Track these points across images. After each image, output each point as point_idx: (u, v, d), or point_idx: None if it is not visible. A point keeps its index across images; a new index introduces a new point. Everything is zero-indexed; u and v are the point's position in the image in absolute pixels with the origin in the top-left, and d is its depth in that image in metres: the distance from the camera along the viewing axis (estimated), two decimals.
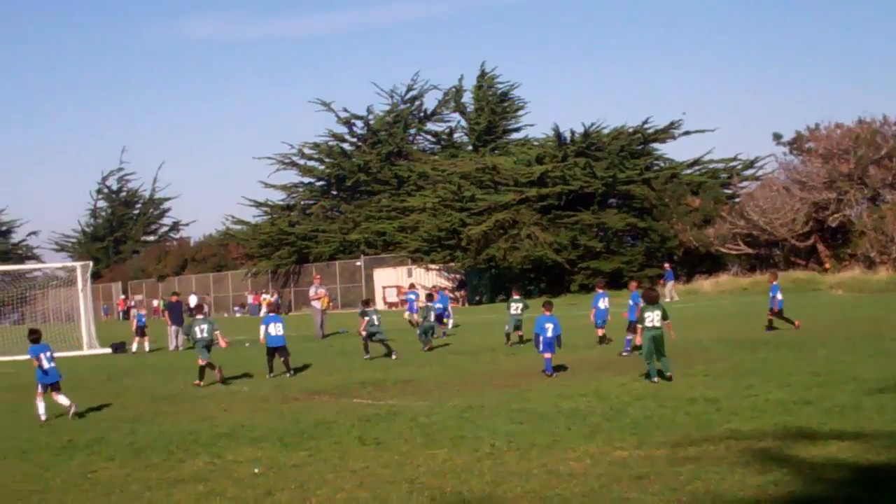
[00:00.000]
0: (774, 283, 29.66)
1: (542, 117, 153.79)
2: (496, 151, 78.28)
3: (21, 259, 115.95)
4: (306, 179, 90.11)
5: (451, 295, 50.76)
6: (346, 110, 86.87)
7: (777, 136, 67.62)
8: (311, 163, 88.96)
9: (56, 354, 36.24)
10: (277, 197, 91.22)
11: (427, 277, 71.00)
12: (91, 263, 47.74)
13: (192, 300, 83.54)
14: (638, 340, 20.04)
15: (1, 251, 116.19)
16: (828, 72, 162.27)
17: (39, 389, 19.35)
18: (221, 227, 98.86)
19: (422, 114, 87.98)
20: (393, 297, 71.26)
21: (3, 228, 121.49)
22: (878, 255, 55.80)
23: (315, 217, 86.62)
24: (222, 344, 25.64)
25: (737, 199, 66.84)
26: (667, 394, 17.40)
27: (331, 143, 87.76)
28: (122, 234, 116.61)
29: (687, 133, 70.64)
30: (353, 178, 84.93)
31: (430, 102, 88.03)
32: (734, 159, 71.22)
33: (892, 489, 10.10)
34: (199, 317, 26.29)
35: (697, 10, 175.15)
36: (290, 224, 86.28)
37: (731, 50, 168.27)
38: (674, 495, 10.22)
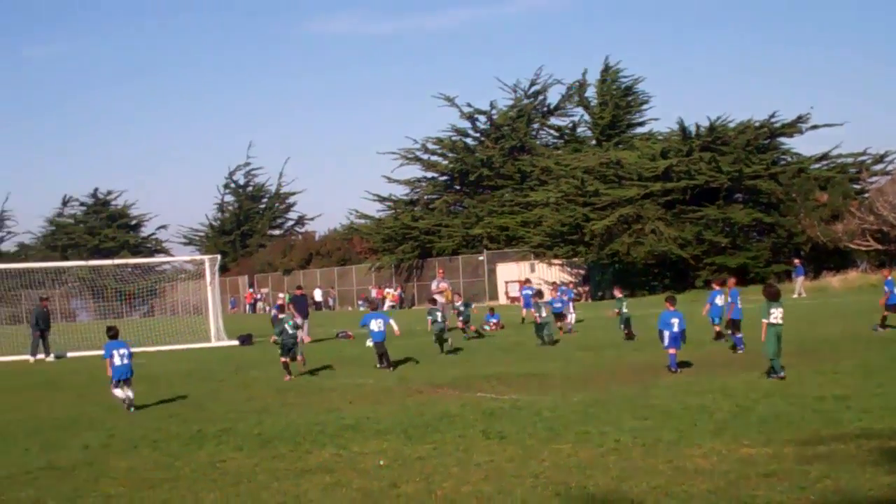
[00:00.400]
0: (889, 277, 29.04)
1: (667, 111, 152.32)
2: (620, 146, 77.60)
3: (151, 252, 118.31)
4: (429, 174, 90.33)
5: (575, 290, 50.63)
6: (469, 105, 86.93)
7: None
8: (435, 158, 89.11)
9: (184, 346, 37.17)
10: (401, 191, 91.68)
11: (550, 272, 70.78)
12: (219, 257, 48.47)
13: (317, 294, 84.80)
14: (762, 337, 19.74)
15: (131, 245, 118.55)
16: None
17: (116, 384, 20.00)
18: (346, 222, 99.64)
19: (545, 108, 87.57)
20: (515, 291, 71.16)
21: (134, 222, 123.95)
22: None
23: (438, 212, 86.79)
24: (306, 339, 26.04)
25: (866, 195, 65.42)
26: (795, 391, 17.14)
27: (454, 138, 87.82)
28: (249, 228, 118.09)
29: (815, 127, 69.22)
30: (476, 173, 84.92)
31: (553, 97, 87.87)
32: (863, 154, 69.66)
33: None
34: (283, 315, 26.96)
35: (824, 2, 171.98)
36: (414, 218, 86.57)
37: (859, 42, 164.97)
38: (802, 493, 10.07)
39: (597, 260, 69.47)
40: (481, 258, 78.33)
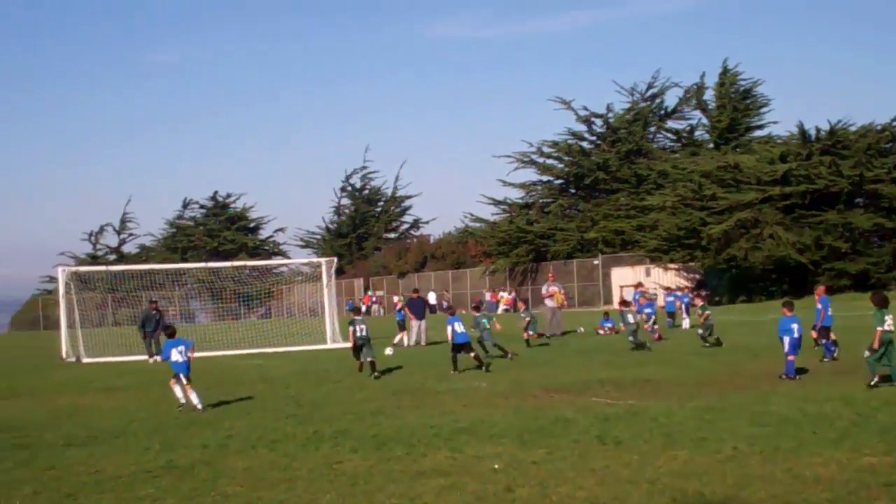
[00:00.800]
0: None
1: (786, 114, 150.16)
2: (738, 149, 76.65)
3: (268, 255, 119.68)
4: (545, 178, 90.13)
5: (690, 295, 50.07)
6: (585, 108, 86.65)
7: None
8: (550, 161, 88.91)
9: (300, 348, 37.54)
10: (516, 195, 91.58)
11: (665, 277, 70.21)
12: (335, 259, 48.90)
13: (431, 297, 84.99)
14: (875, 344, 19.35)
15: (249, 247, 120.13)
16: None
17: (179, 379, 20.58)
18: (460, 225, 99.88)
19: (662, 111, 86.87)
20: (629, 296, 70.72)
21: (252, 225, 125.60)
22: None
23: (553, 215, 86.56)
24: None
25: None
26: None
27: (570, 142, 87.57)
28: (365, 231, 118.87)
29: None
30: (592, 177, 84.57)
31: (670, 100, 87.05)
32: None
33: None
34: (358, 317, 28.01)
35: None
36: (528, 222, 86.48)
37: None
38: None
39: (713, 265, 68.73)
40: (596, 262, 77.92)
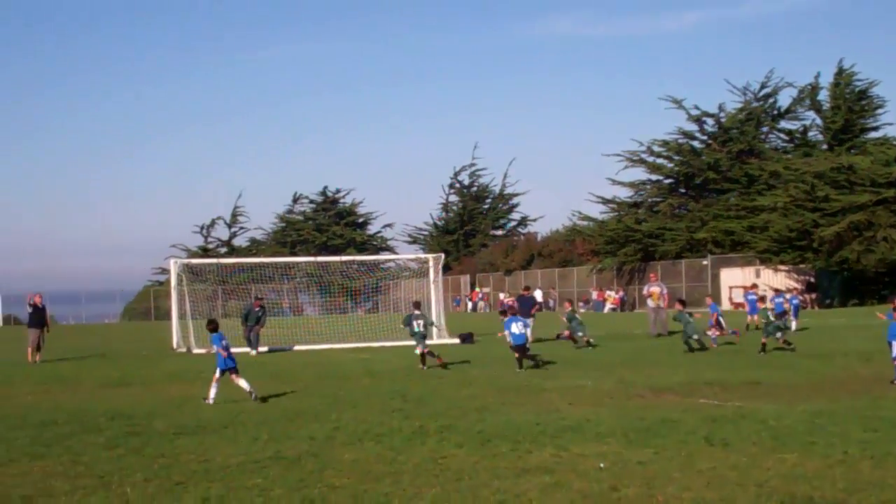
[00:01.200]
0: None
1: None
2: (852, 150, 75.48)
3: (376, 250, 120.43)
4: (654, 177, 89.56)
5: (800, 298, 49.50)
6: (696, 108, 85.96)
7: None
8: (660, 160, 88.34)
9: (406, 343, 37.59)
10: (625, 194, 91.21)
11: (776, 279, 69.31)
12: (443, 256, 49.06)
13: (538, 295, 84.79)
14: None
15: (358, 242, 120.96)
16: None
17: (217, 375, 20.95)
18: (568, 223, 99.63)
19: (775, 111, 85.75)
20: (739, 297, 69.88)
21: (361, 220, 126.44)
22: None
23: (662, 215, 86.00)
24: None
25: None
26: None
27: (680, 141, 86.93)
28: (472, 227, 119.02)
29: None
30: (702, 176, 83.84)
31: (783, 100, 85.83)
32: None
33: None
34: (417, 312, 29.45)
35: None
36: (637, 221, 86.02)
37: None
38: None
39: (825, 267, 67.69)
40: (705, 262, 77.15)
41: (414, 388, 22.90)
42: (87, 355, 39.24)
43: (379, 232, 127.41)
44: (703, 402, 18.79)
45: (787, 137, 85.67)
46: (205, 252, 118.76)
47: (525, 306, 39.23)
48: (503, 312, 32.79)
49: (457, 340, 40.64)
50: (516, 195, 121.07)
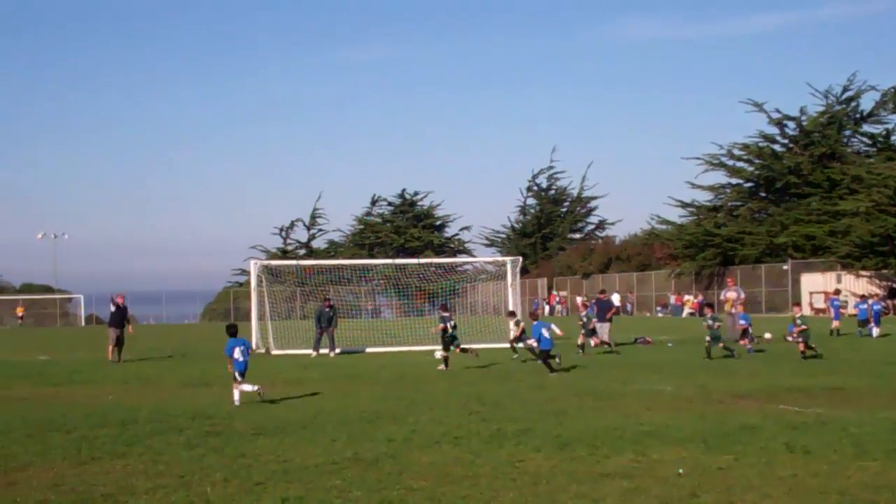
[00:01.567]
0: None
1: None
2: None
3: (454, 253, 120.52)
4: (734, 180, 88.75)
5: (883, 304, 48.87)
6: (777, 111, 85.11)
7: None
8: (740, 164, 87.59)
9: (483, 346, 37.61)
10: (704, 197, 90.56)
11: (857, 284, 68.44)
12: (520, 259, 48.98)
13: (615, 298, 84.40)
14: None
15: (435, 245, 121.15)
16: None
17: (237, 377, 21.21)
18: (646, 227, 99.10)
19: (857, 115, 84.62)
20: (820, 303, 69.08)
21: (438, 223, 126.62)
22: None
23: (742, 219, 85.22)
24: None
25: None
26: None
27: (761, 144, 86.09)
28: (550, 231, 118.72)
29: None
30: (783, 181, 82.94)
31: (866, 103, 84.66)
32: None
33: None
34: (445, 314, 30.81)
35: None
36: (716, 225, 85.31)
37: None
38: None
39: None
40: (785, 267, 76.35)
41: (491, 391, 22.90)
42: (167, 355, 39.71)
43: (456, 234, 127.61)
44: (784, 408, 18.59)
45: (869, 141, 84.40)
46: (284, 254, 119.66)
47: (602, 310, 39.14)
48: (511, 314, 33.15)
49: (534, 344, 40.48)
50: (594, 198, 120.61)
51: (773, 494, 11.16)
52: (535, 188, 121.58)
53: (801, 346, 30.48)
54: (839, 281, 67.91)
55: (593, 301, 40.98)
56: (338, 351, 38.52)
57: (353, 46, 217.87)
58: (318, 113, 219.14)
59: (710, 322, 31.74)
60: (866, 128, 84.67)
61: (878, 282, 70.11)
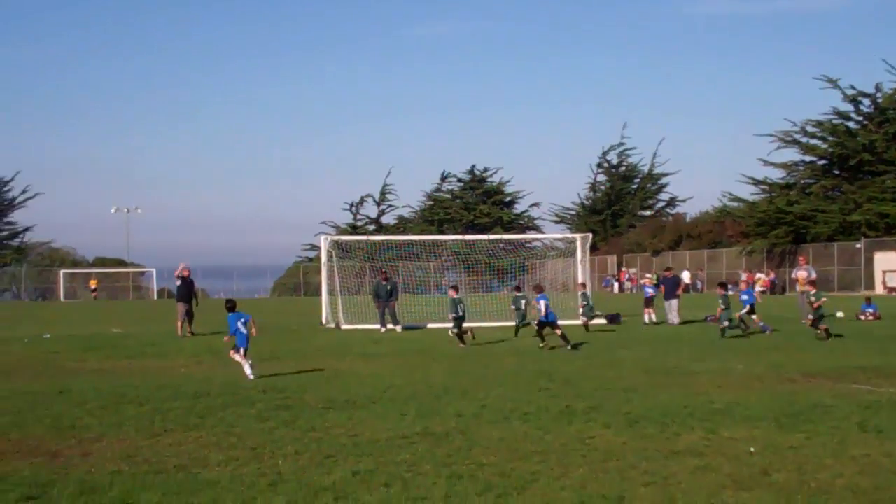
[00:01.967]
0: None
1: None
2: None
3: (523, 229, 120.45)
4: (807, 158, 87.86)
5: None
6: (852, 87, 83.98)
7: None
8: (814, 141, 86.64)
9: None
10: (776, 175, 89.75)
11: None
12: (590, 235, 48.82)
13: (685, 276, 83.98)
14: None
15: (504, 221, 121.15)
16: None
17: (241, 352, 21.30)
18: (718, 204, 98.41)
19: None
20: (894, 281, 68.30)
21: (508, 199, 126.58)
22: None
23: (815, 196, 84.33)
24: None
25: None
26: None
27: (835, 121, 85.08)
28: (620, 208, 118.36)
29: None
30: (857, 158, 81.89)
31: None
32: None
33: None
34: (456, 296, 31.04)
35: None
36: (789, 203, 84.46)
37: None
38: None
39: None
40: (858, 246, 75.50)
41: (560, 367, 22.87)
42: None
43: (526, 211, 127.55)
44: (856, 387, 18.40)
45: None
46: (353, 229, 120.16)
47: (668, 287, 39.02)
48: (517, 288, 33.31)
49: (603, 321, 40.43)
50: (665, 175, 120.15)
51: (846, 474, 11.07)
52: (606, 164, 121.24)
53: (810, 323, 30.09)
54: None
55: (661, 279, 40.85)
56: (400, 328, 38.22)
57: (424, 22, 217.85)
58: (388, 89, 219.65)
59: (719, 301, 31.73)
60: None
61: None
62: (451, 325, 31.01)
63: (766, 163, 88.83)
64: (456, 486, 10.72)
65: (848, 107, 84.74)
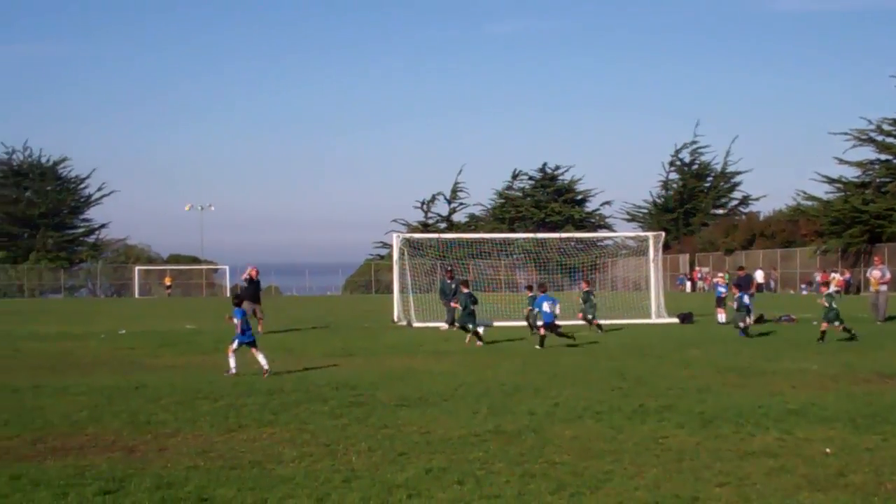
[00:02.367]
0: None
1: None
2: None
3: (594, 228, 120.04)
4: (883, 156, 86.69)
5: None
6: None
7: None
8: (890, 139, 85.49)
9: (624, 321, 37.47)
10: (851, 173, 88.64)
11: None
12: (663, 234, 48.58)
13: (758, 275, 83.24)
14: None
15: (576, 219, 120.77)
16: None
17: (234, 346, 21.79)
18: (791, 203, 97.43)
19: None
20: None
21: (579, 198, 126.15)
22: None
23: (890, 195, 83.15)
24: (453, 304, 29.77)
25: None
26: None
27: None
28: (692, 206, 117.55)
29: None
30: None
31: None
32: None
33: None
34: (466, 291, 31.11)
35: None
36: (864, 202, 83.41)
37: None
38: None
39: None
40: None
41: (633, 366, 22.79)
42: (311, 326, 40.28)
43: (597, 209, 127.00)
44: None
45: None
46: (425, 227, 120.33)
47: (743, 286, 38.73)
48: (530, 288, 32.83)
49: (675, 320, 40.23)
50: (738, 173, 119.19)
51: None
52: (678, 163, 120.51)
53: (824, 326, 29.57)
54: None
55: (735, 279, 40.53)
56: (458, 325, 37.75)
57: (497, 20, 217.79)
58: (459, 87, 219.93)
59: (735, 302, 31.62)
60: None
61: None
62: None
63: (842, 161, 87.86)
64: (529, 484, 10.73)
65: None
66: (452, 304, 36.51)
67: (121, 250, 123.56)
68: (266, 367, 21.57)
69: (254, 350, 21.85)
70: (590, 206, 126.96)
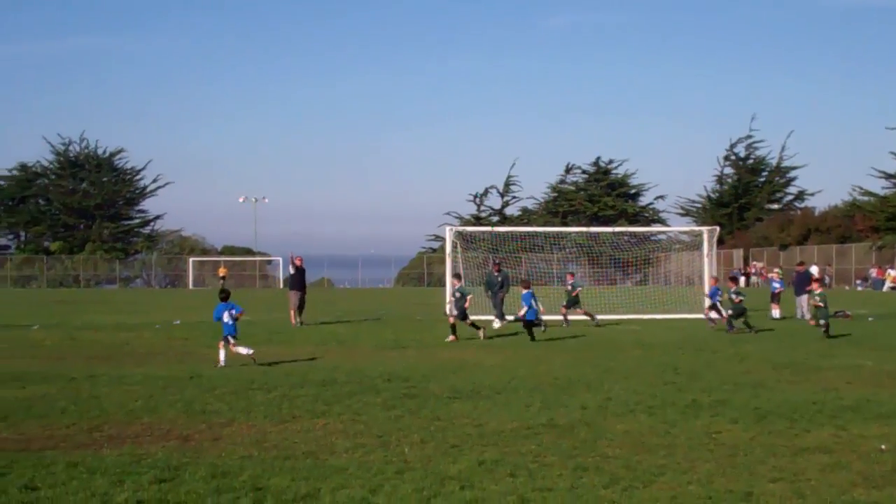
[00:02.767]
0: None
1: None
2: None
3: (648, 222, 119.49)
4: None
5: None
6: None
7: None
8: None
9: (677, 316, 37.28)
10: None
11: None
12: (717, 228, 48.27)
13: (814, 270, 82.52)
14: None
15: (629, 214, 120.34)
16: None
17: (229, 341, 21.99)
18: (847, 198, 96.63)
19: None
20: None
21: (633, 192, 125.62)
22: None
23: None
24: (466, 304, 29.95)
25: None
26: None
27: None
28: (747, 201, 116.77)
29: None
30: None
31: None
32: None
33: None
34: (459, 284, 31.69)
35: None
36: None
37: None
38: None
39: None
40: None
41: (686, 361, 22.72)
42: (363, 318, 40.40)
43: (651, 203, 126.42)
44: None
45: None
46: (477, 220, 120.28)
47: (800, 282, 38.53)
48: (525, 284, 32.45)
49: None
50: (794, 168, 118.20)
51: None
52: (733, 157, 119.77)
53: (812, 322, 29.29)
54: None
55: (795, 276, 40.31)
56: (510, 318, 37.22)
57: (552, 14, 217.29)
58: (513, 80, 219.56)
59: (732, 295, 31.24)
60: None
61: None
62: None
63: None
64: (581, 477, 10.73)
65: None
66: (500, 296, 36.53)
67: (175, 241, 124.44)
68: (250, 352, 21.94)
69: (232, 342, 22.10)
70: (643, 201, 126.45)
